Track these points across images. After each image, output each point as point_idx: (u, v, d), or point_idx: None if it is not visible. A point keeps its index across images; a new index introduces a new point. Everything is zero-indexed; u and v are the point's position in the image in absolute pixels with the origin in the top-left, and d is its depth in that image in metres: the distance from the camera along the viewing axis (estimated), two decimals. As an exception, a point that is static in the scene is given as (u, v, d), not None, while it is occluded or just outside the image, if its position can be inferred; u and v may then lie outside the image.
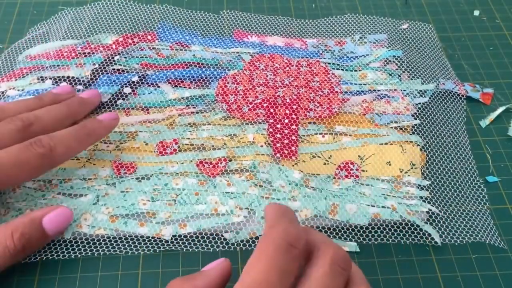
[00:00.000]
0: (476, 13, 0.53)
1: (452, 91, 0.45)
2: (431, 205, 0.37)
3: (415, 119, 0.42)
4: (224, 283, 0.31)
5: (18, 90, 0.43)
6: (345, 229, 0.36)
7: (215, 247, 0.35)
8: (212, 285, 0.30)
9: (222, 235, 0.36)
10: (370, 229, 0.36)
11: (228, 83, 0.44)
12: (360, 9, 0.53)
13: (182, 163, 0.39)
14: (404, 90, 0.44)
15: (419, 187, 0.38)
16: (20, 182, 0.37)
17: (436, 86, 0.45)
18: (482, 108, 0.45)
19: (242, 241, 0.35)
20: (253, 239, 0.35)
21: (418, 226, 0.36)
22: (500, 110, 0.44)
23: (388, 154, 0.39)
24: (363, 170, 0.39)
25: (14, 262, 0.33)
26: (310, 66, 0.45)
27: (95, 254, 0.35)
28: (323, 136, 0.41)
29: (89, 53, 0.46)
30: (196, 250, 0.35)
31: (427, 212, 0.37)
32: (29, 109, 0.38)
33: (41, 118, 0.37)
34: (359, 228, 0.36)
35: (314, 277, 0.28)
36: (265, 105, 0.42)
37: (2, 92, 0.43)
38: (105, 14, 0.50)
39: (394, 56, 0.46)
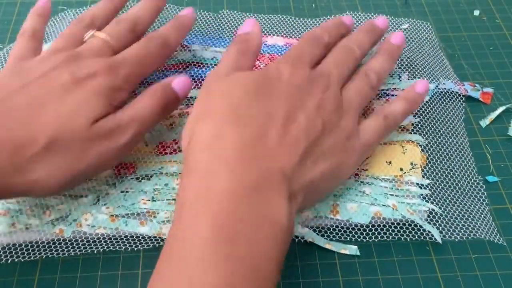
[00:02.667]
0: (476, 13, 0.53)
1: (452, 91, 0.45)
2: (432, 204, 0.37)
3: (414, 117, 0.42)
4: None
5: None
6: (345, 228, 0.36)
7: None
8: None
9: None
10: (370, 227, 0.36)
11: None
12: (360, 9, 0.53)
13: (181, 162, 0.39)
14: (403, 89, 0.44)
15: (420, 186, 0.38)
16: (150, 72, 0.40)
17: (437, 86, 0.44)
18: (482, 108, 0.45)
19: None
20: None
21: (419, 225, 0.36)
22: (500, 110, 0.44)
23: (389, 154, 0.39)
24: (363, 169, 0.39)
25: (162, 120, 0.38)
26: None
27: (95, 251, 0.35)
28: (323, 136, 0.41)
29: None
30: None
31: (428, 213, 0.37)
32: (111, 13, 0.42)
33: (141, 16, 0.41)
34: (359, 227, 0.36)
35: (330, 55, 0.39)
36: None
37: None
38: None
39: None
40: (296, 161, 0.31)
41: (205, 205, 0.28)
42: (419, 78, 0.45)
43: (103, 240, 0.35)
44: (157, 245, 0.35)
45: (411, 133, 0.41)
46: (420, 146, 0.40)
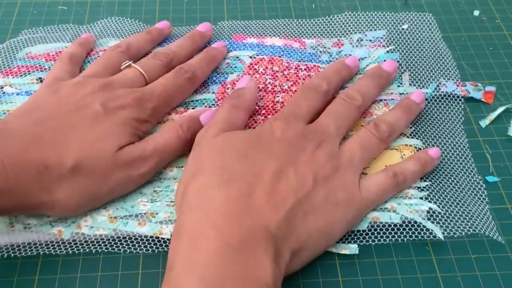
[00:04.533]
0: (476, 13, 0.53)
1: (451, 92, 0.45)
2: (432, 204, 0.37)
3: (410, 127, 0.42)
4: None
5: (16, 89, 0.43)
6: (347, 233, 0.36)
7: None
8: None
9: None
10: (373, 230, 0.36)
11: (227, 88, 0.43)
12: (360, 9, 0.53)
13: (182, 167, 0.39)
14: (401, 94, 0.44)
15: (419, 189, 0.38)
16: (176, 104, 0.42)
17: (437, 88, 0.44)
18: (482, 108, 0.45)
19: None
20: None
21: (419, 224, 0.36)
22: (500, 110, 0.44)
23: (387, 159, 0.39)
24: (362, 173, 0.38)
25: (185, 151, 0.38)
26: (309, 71, 0.45)
27: (93, 251, 0.35)
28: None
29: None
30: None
31: (428, 212, 0.37)
32: (146, 43, 0.45)
33: (177, 53, 0.43)
34: (359, 233, 0.36)
35: (328, 107, 0.39)
36: (263, 111, 0.42)
37: (0, 87, 0.43)
38: (106, 30, 0.49)
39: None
40: (281, 217, 0.31)
41: (192, 267, 0.28)
42: (420, 78, 0.45)
43: (102, 242, 0.35)
44: (156, 250, 0.35)
45: (408, 137, 0.41)
46: (418, 149, 0.40)
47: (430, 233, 0.36)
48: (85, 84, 0.38)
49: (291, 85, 0.43)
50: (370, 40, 0.48)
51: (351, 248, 0.35)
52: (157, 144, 0.37)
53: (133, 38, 0.45)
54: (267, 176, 0.33)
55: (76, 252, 0.35)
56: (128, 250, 0.35)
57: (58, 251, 0.35)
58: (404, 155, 0.39)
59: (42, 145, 0.34)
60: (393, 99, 0.43)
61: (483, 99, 0.45)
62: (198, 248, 0.29)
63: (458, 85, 0.45)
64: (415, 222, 0.36)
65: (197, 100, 0.43)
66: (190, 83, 0.42)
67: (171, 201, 0.37)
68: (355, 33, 0.49)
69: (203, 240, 0.29)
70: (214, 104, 0.43)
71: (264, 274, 0.28)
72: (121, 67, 0.41)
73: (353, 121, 0.39)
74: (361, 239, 0.36)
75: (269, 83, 0.44)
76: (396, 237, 0.36)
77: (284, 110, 0.38)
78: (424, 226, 0.36)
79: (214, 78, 0.44)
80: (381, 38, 0.48)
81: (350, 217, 0.34)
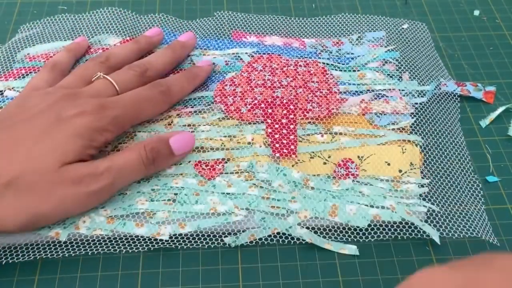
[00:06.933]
0: (476, 13, 0.53)
1: (447, 91, 0.45)
2: (430, 204, 0.37)
3: (412, 118, 0.42)
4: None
5: (16, 91, 0.43)
6: (341, 229, 0.36)
7: (215, 244, 0.35)
8: None
9: (221, 237, 0.36)
10: (370, 229, 0.36)
11: (226, 85, 0.43)
12: (360, 9, 0.53)
13: (180, 164, 0.39)
14: (402, 90, 0.44)
15: (418, 185, 0.38)
16: (146, 118, 0.40)
17: (437, 87, 0.44)
18: (482, 108, 0.45)
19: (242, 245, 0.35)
20: (253, 241, 0.35)
21: (417, 226, 0.36)
22: (500, 110, 0.44)
23: (388, 154, 0.39)
24: (363, 169, 0.39)
25: (146, 175, 0.37)
26: (308, 66, 0.45)
27: (93, 253, 0.35)
28: (322, 136, 0.41)
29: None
30: (197, 247, 0.35)
31: (426, 212, 0.37)
32: (132, 53, 0.44)
33: (153, 64, 0.42)
34: (359, 229, 0.36)
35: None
36: (262, 105, 0.42)
37: (0, 92, 0.43)
38: (105, 21, 0.49)
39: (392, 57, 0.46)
40: None
41: None
42: (419, 78, 0.45)
43: (98, 244, 0.35)
44: (152, 248, 0.35)
45: (409, 134, 0.41)
46: (418, 145, 0.40)
47: (425, 234, 0.36)
48: (53, 94, 0.37)
49: (291, 81, 0.44)
50: (370, 40, 0.48)
51: (351, 249, 0.35)
52: (112, 163, 0.35)
53: (119, 48, 0.44)
54: None
55: (73, 255, 0.34)
56: (128, 251, 0.35)
57: (60, 253, 0.34)
58: (405, 149, 0.39)
59: None
60: (393, 96, 0.43)
61: (483, 99, 0.45)
62: None
63: (458, 85, 0.45)
64: (413, 223, 0.36)
65: (195, 99, 0.43)
66: (163, 96, 0.40)
67: (168, 200, 0.37)
68: (355, 33, 0.49)
69: None
70: (212, 102, 0.43)
71: None
72: (92, 79, 0.40)
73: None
74: (361, 235, 0.36)
75: (268, 79, 0.44)
76: (396, 234, 0.35)
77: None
78: (421, 229, 0.36)
79: (213, 78, 0.44)
80: (381, 38, 0.48)
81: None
